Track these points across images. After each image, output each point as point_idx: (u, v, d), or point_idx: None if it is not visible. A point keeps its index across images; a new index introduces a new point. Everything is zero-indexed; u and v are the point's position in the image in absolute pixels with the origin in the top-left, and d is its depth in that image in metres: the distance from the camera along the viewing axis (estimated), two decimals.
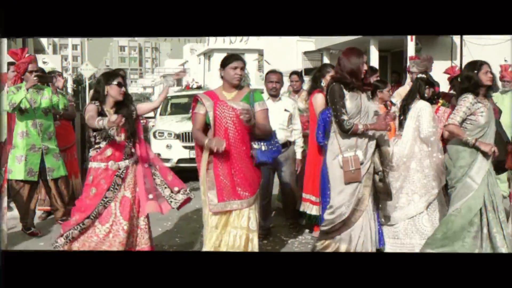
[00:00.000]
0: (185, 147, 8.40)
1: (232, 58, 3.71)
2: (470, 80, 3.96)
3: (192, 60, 38.13)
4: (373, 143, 3.87)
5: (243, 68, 3.71)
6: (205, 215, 3.69)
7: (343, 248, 3.90)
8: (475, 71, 3.96)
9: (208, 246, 3.63)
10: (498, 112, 5.15)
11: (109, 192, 3.80)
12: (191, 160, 8.10)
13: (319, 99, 5.04)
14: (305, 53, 16.11)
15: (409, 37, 10.80)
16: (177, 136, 8.53)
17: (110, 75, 3.90)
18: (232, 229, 3.63)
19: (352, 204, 3.86)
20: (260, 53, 21.31)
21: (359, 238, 3.89)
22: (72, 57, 21.61)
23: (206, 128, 3.73)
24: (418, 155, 4.55)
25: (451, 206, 4.08)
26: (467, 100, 3.93)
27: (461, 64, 11.45)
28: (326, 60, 14.92)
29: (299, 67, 14.71)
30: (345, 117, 3.77)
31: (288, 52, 15.61)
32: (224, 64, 3.72)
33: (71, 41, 23.27)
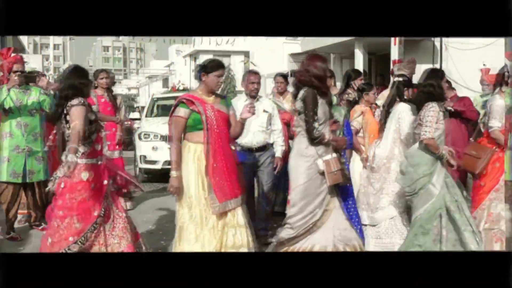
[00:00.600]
0: None
1: (217, 66, 3.75)
2: (435, 87, 4.00)
3: (178, 62, 37.98)
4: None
5: (223, 76, 3.84)
6: (189, 217, 3.68)
7: (315, 248, 3.96)
8: (439, 79, 4.03)
9: (208, 248, 3.62)
10: (477, 114, 5.28)
11: (107, 186, 3.83)
12: None
13: None
14: (292, 55, 16.18)
15: (392, 40, 10.91)
16: (164, 138, 8.46)
17: (84, 71, 3.92)
18: (231, 229, 3.68)
19: (323, 205, 3.93)
20: (247, 55, 21.33)
21: (332, 236, 3.96)
22: (53, 56, 21.37)
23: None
24: (398, 156, 4.61)
25: (414, 212, 4.15)
26: (435, 109, 3.96)
27: (440, 67, 11.60)
28: None
29: (285, 69, 14.77)
30: (316, 125, 3.82)
31: (274, 54, 15.67)
32: (208, 70, 3.74)
33: (52, 40, 22.82)
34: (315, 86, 3.86)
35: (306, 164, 3.90)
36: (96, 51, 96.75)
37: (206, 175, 3.63)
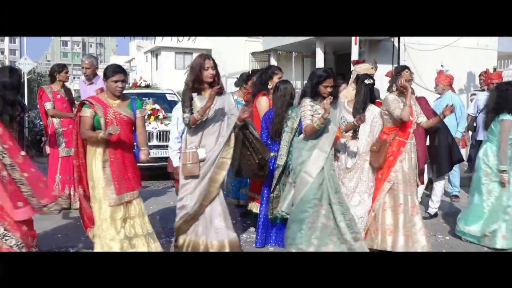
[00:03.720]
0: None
1: (114, 72, 4.04)
2: (306, 87, 4.44)
3: (139, 58, 37.41)
4: (223, 141, 4.24)
5: (124, 81, 4.06)
6: (98, 209, 4.00)
7: (195, 242, 4.25)
8: (310, 80, 4.40)
9: (107, 237, 3.95)
10: (433, 114, 5.43)
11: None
12: None
13: (263, 102, 5.11)
14: (253, 53, 16.21)
15: (353, 40, 11.09)
16: None
17: None
18: (129, 220, 4.08)
19: (197, 197, 4.21)
20: (209, 53, 21.25)
21: (205, 230, 4.23)
22: (9, 50, 20.64)
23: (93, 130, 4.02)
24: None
25: (293, 201, 4.39)
26: (305, 103, 4.34)
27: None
28: (273, 61, 15.05)
29: (246, 68, 14.78)
30: (185, 115, 4.23)
31: (236, 52, 15.65)
32: (107, 76, 4.05)
33: None
34: (194, 87, 4.26)
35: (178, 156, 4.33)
36: (54, 45, 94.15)
37: (106, 170, 3.98)
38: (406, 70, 4.88)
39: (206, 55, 4.29)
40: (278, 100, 4.70)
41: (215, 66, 4.22)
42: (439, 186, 6.06)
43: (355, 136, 4.83)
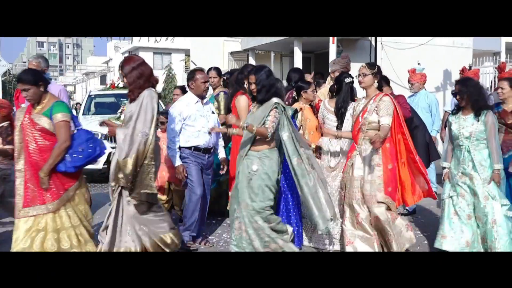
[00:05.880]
0: (114, 148, 8.16)
1: (17, 82, 3.92)
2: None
3: (117, 58, 37.03)
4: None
5: (26, 90, 3.85)
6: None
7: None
8: None
9: (19, 248, 3.77)
10: (409, 111, 5.51)
11: None
12: None
13: (242, 101, 5.10)
14: (232, 53, 16.18)
15: (330, 39, 11.15)
16: (105, 137, 7.99)
17: None
18: (52, 233, 3.84)
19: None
20: (187, 53, 21.13)
21: (133, 230, 3.98)
22: None
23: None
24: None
25: None
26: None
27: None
28: (252, 60, 15.05)
29: (225, 67, 14.76)
30: None
31: (214, 52, 15.58)
32: None
33: None
34: None
35: None
36: (30, 46, 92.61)
37: (21, 180, 3.84)
38: (362, 64, 4.57)
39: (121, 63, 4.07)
40: None
41: (126, 74, 3.91)
42: None
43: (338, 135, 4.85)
